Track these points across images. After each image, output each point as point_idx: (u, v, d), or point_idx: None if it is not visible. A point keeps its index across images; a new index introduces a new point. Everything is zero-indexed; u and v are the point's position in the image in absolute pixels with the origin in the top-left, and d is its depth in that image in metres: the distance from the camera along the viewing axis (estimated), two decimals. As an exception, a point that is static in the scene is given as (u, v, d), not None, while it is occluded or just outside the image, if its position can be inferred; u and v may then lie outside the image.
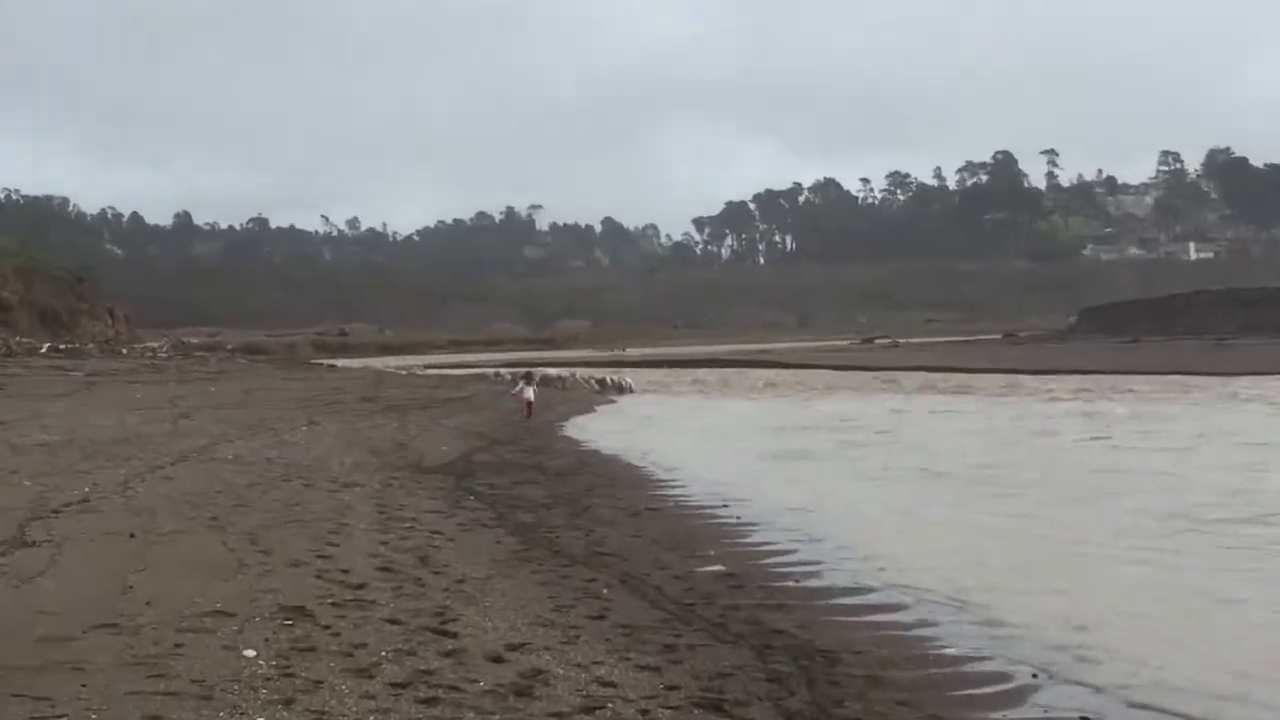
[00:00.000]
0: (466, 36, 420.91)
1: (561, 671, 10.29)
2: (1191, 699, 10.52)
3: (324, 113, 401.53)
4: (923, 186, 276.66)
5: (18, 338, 71.75)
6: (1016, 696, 10.74)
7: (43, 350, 66.58)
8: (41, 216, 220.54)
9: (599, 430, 40.11)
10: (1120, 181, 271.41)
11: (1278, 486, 23.24)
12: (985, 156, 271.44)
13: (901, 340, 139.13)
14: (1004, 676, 11.25)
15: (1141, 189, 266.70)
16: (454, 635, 11.23)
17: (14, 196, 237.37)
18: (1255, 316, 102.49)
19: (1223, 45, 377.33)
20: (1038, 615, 13.47)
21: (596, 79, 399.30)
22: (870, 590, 14.82)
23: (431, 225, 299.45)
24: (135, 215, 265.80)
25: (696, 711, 9.60)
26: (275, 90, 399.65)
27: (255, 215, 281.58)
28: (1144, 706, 10.40)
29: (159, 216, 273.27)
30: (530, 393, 46.76)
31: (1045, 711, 10.33)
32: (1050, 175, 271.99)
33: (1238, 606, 14.03)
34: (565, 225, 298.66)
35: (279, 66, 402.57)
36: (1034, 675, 11.21)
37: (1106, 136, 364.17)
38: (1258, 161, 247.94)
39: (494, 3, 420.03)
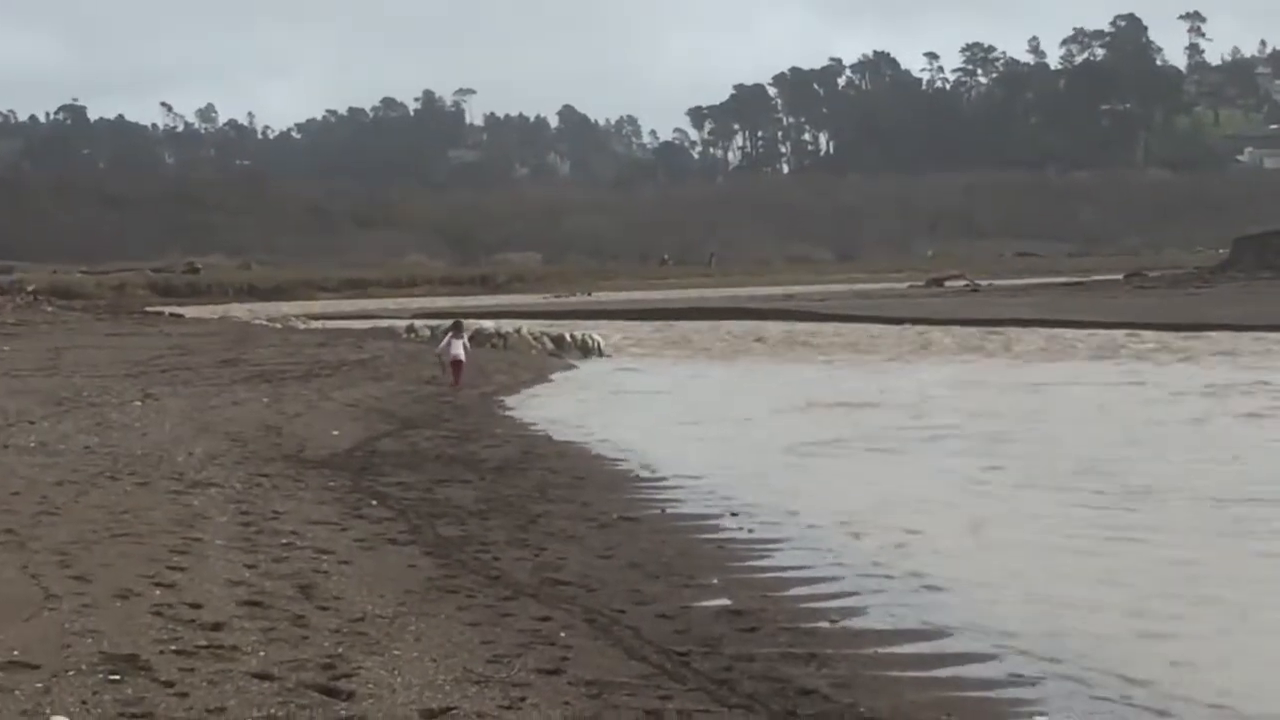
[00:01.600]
0: None
1: (501, 750, 10.35)
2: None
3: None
4: (1013, 65, 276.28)
5: None
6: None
7: None
8: None
9: (555, 408, 40.22)
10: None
11: None
12: (1102, 23, 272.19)
13: (984, 282, 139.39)
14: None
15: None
16: (349, 696, 11.27)
17: None
18: None
19: None
20: (1167, 668, 13.59)
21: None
22: (939, 632, 14.90)
23: (318, 117, 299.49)
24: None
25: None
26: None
27: (68, 102, 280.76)
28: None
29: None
30: (459, 349, 46.86)
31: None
32: (1193, 50, 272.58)
33: None
34: (507, 118, 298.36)
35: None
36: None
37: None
38: None
39: None
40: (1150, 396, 40.45)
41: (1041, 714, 12.27)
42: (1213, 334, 66.06)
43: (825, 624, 15.25)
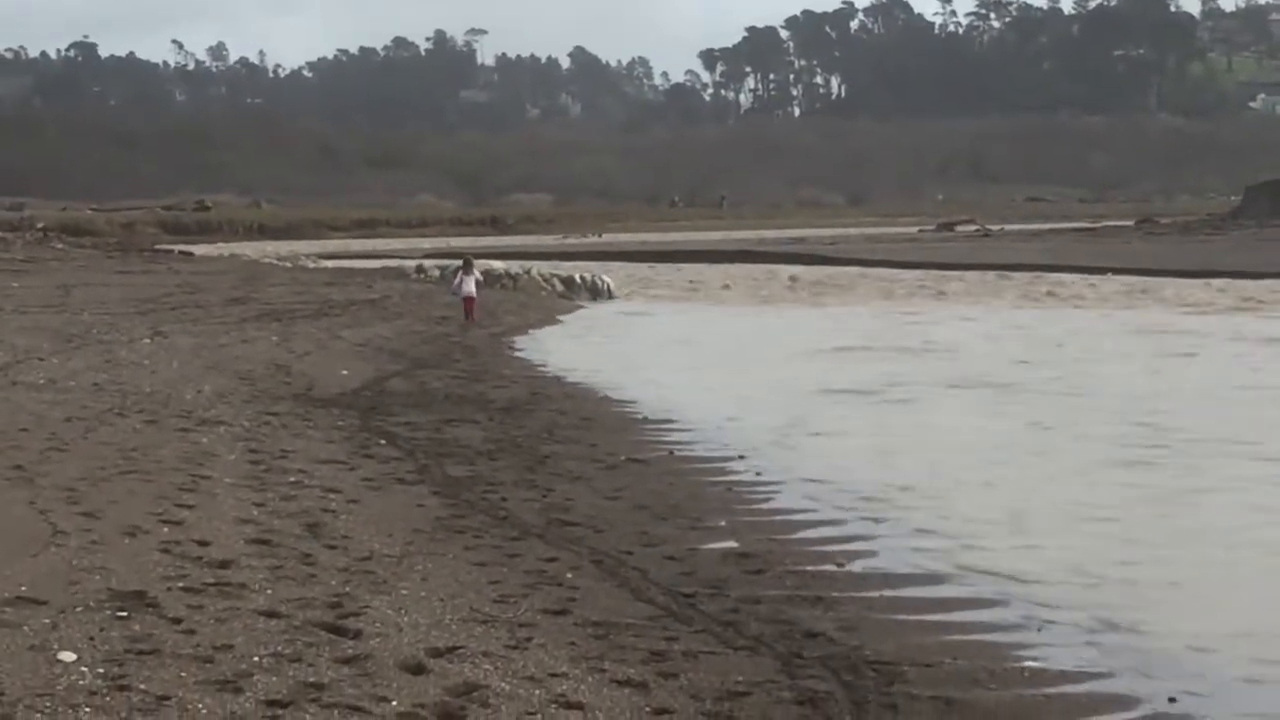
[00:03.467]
0: None
1: (506, 687, 10.31)
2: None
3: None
4: (1026, 9, 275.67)
5: None
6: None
7: None
8: None
9: (564, 349, 40.15)
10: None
11: None
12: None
13: (995, 227, 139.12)
14: (1127, 700, 11.27)
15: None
16: (356, 635, 11.26)
17: None
18: None
19: None
20: (1160, 611, 13.58)
21: None
22: (942, 577, 14.90)
23: (329, 56, 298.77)
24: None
25: (698, 745, 9.68)
26: None
27: (78, 39, 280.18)
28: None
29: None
30: (470, 286, 47.21)
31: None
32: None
33: None
34: (519, 59, 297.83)
35: None
36: (1171, 700, 11.26)
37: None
38: None
39: None
40: (1161, 333, 40.49)
41: (1039, 659, 12.28)
42: (1223, 280, 65.95)
43: (832, 567, 15.22)
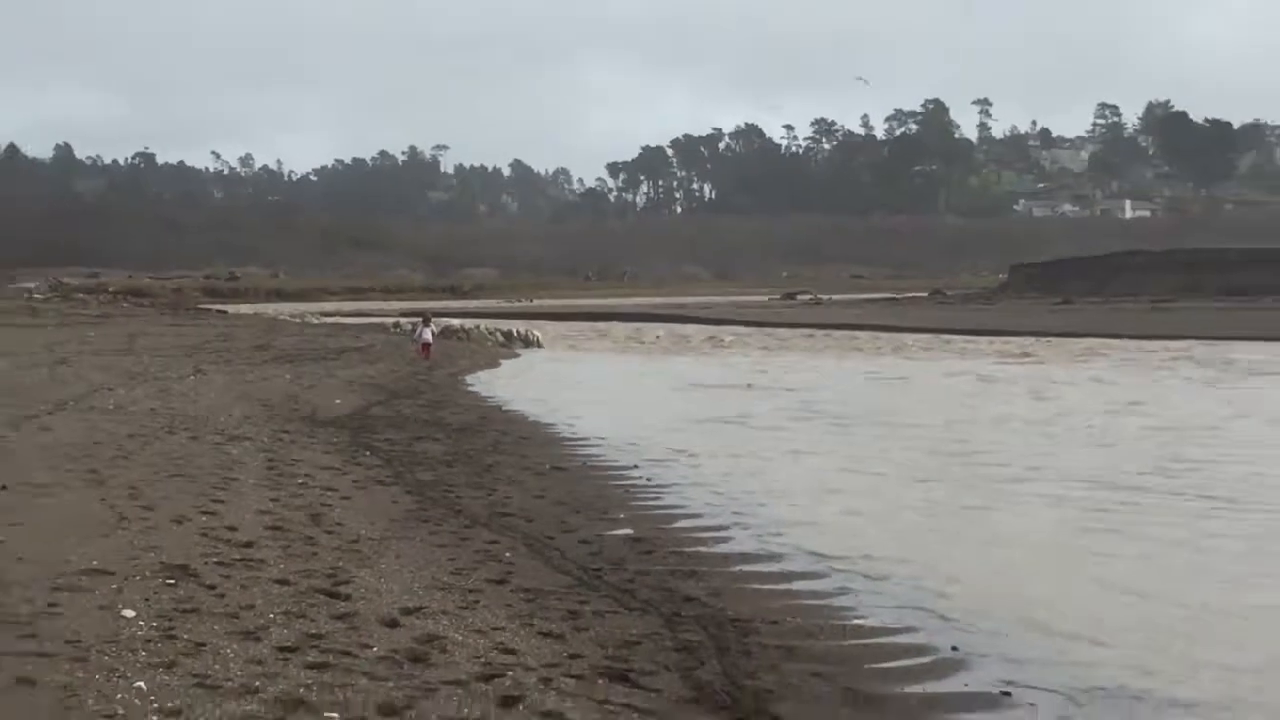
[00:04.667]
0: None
1: (460, 637, 10.31)
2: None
3: (216, 35, 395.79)
4: (849, 135, 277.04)
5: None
6: (937, 670, 10.88)
7: (-93, 289, 65.60)
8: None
9: (504, 385, 40.07)
10: (1055, 134, 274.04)
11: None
12: (915, 105, 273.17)
13: (825, 296, 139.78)
14: (925, 649, 11.36)
15: (1077, 143, 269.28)
16: (347, 598, 11.25)
17: None
18: (1194, 279, 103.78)
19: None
20: (955, 584, 13.67)
21: (504, 10, 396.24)
22: (785, 557, 14.92)
23: (330, 165, 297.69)
24: (11, 148, 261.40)
25: (601, 681, 9.65)
26: (161, 11, 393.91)
27: (141, 150, 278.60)
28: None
29: (37, 149, 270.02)
30: (427, 335, 48.14)
31: (966, 685, 10.48)
32: (983, 126, 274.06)
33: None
34: (471, 168, 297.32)
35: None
36: (952, 647, 11.36)
37: (1042, 86, 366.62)
38: (1198, 116, 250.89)
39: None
40: (944, 377, 40.82)
41: (857, 614, 12.34)
42: (1001, 337, 66.52)
43: (703, 548, 15.28)
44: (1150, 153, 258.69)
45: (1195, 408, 32.46)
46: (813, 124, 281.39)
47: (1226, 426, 28.42)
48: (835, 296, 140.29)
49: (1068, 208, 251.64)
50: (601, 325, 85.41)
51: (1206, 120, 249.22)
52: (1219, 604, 13.11)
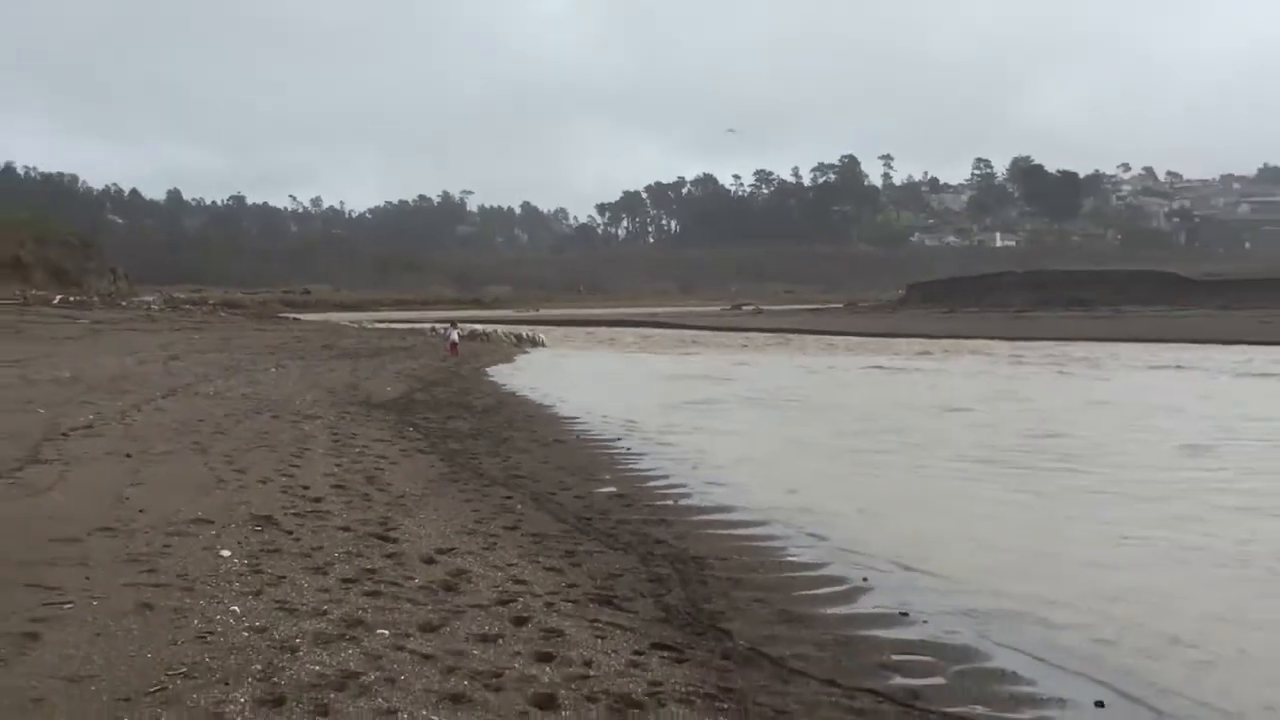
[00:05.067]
0: (402, 42, 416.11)
1: (482, 571, 10.34)
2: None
3: (292, 105, 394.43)
4: (783, 182, 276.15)
5: (33, 290, 70.65)
6: (849, 594, 10.94)
7: (54, 301, 65.51)
8: (55, 191, 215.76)
9: (516, 376, 40.05)
10: (941, 182, 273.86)
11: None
12: (834, 159, 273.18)
13: (765, 307, 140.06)
14: (842, 580, 11.40)
15: (959, 188, 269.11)
16: (394, 541, 11.26)
17: (32, 173, 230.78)
18: (1047, 294, 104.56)
19: (1028, 69, 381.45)
20: (867, 531, 13.71)
21: (516, 82, 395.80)
22: (734, 509, 14.92)
23: (381, 205, 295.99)
24: (134, 191, 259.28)
25: (592, 605, 9.68)
26: (253, 84, 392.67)
27: (234, 193, 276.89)
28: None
29: (154, 192, 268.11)
30: (454, 336, 48.55)
31: (872, 606, 10.54)
32: (886, 176, 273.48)
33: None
34: (491, 208, 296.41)
35: (259, 70, 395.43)
36: (863, 579, 11.42)
37: (931, 145, 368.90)
38: (1051, 168, 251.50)
39: (416, 16, 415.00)
40: (861, 371, 40.95)
41: (790, 552, 12.37)
42: (902, 339, 66.72)
43: (670, 503, 15.31)
44: (1015, 196, 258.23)
45: (1050, 392, 32.59)
46: (755, 174, 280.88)
47: (1074, 407, 28.55)
48: (772, 307, 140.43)
49: (951, 239, 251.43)
50: (592, 329, 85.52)
51: (1058, 171, 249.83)
52: (1050, 546, 13.20)
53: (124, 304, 75.83)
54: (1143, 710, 8.13)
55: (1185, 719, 7.99)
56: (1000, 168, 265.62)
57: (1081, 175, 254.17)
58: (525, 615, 8.98)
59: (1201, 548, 12.86)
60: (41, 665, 6.98)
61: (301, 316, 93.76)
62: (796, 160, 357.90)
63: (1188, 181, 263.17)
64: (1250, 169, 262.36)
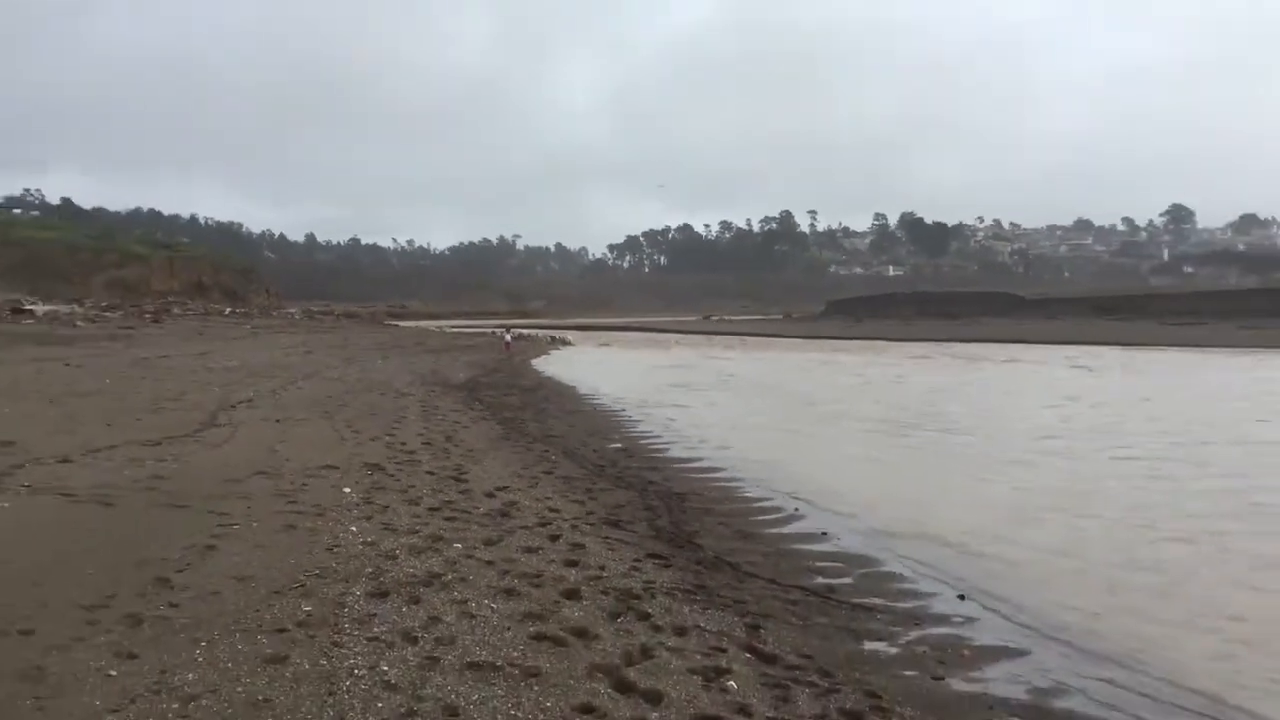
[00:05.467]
0: (470, 127, 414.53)
1: (527, 503, 10.34)
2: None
3: (395, 172, 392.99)
4: (740, 229, 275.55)
5: (212, 304, 70.63)
6: (786, 520, 10.93)
7: (226, 312, 65.49)
8: (226, 234, 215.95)
9: (550, 366, 39.97)
10: (851, 229, 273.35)
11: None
12: (776, 213, 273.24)
13: (727, 317, 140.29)
14: (780, 510, 11.38)
15: (863, 234, 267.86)
16: (466, 481, 11.25)
17: (210, 221, 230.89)
18: (926, 308, 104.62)
19: (912, 149, 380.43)
20: (800, 477, 13.72)
21: (553, 158, 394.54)
22: (705, 460, 14.89)
23: (456, 244, 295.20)
24: (282, 235, 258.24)
25: (604, 527, 9.70)
26: (367, 157, 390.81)
27: (353, 236, 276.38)
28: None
29: (296, 235, 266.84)
30: (509, 337, 48.41)
31: (802, 528, 10.54)
32: (812, 225, 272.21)
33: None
34: (533, 246, 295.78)
35: (372, 146, 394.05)
36: (795, 509, 11.42)
37: (844, 202, 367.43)
38: (929, 220, 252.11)
39: (480, 108, 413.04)
40: (796, 363, 40.91)
41: (746, 492, 12.35)
42: (824, 340, 66.64)
43: (660, 456, 15.27)
44: (902, 239, 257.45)
45: (935, 378, 32.58)
46: (720, 223, 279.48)
47: (953, 389, 28.55)
48: (733, 317, 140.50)
49: (858, 269, 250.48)
50: (604, 333, 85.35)
51: (933, 222, 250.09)
52: (928, 488, 13.20)
53: (275, 314, 75.76)
54: (991, 600, 8.16)
55: (1018, 605, 8.02)
56: (893, 219, 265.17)
57: (949, 224, 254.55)
58: (557, 534, 9.00)
59: (1031, 487, 12.88)
60: (218, 568, 7.01)
61: (400, 323, 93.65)
62: (749, 213, 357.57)
63: (1024, 229, 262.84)
64: (1069, 220, 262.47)
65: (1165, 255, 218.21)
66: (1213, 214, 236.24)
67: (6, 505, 8.33)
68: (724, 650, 6.37)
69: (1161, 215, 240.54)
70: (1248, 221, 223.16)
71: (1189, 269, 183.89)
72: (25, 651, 5.41)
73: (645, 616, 6.85)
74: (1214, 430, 18.38)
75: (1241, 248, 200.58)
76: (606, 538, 9.15)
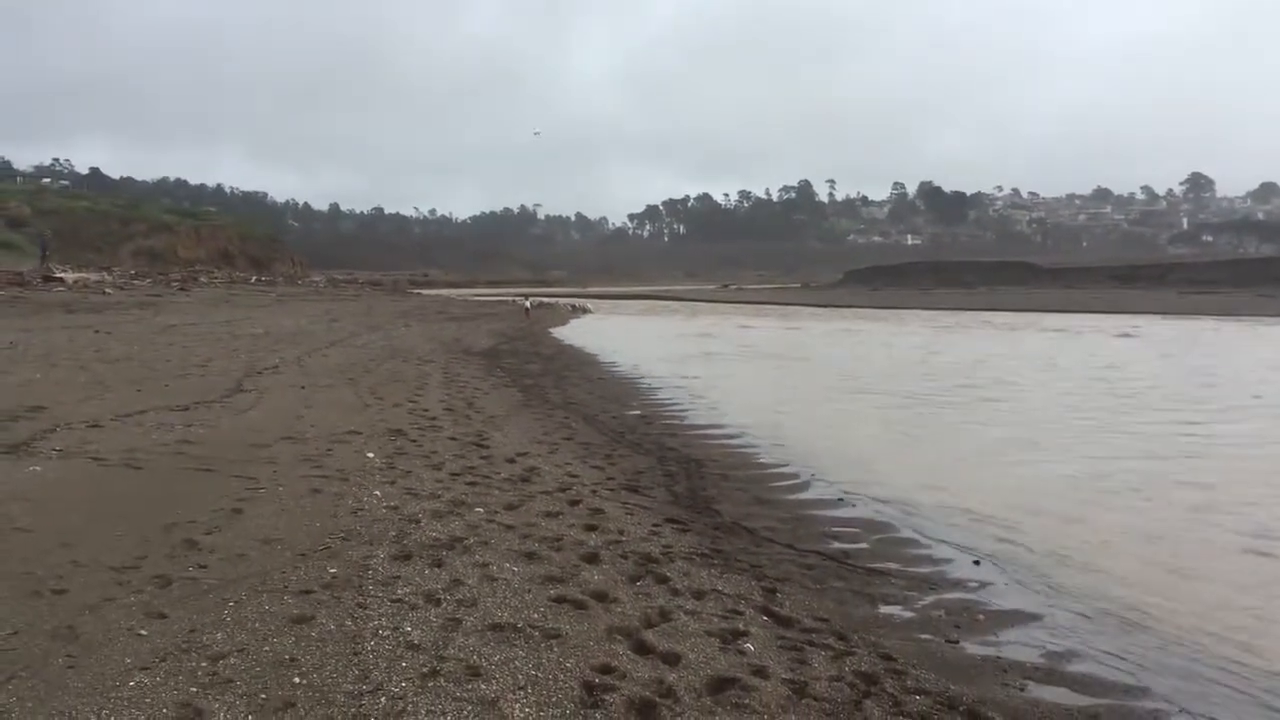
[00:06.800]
0: (490, 101, 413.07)
1: (548, 468, 10.35)
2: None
3: (417, 145, 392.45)
4: (758, 199, 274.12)
5: (238, 273, 70.98)
6: (803, 486, 10.91)
7: (252, 280, 65.67)
8: (251, 203, 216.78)
9: (571, 334, 39.98)
10: (870, 199, 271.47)
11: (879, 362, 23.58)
12: (794, 182, 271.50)
13: (745, 286, 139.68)
14: (797, 476, 11.36)
15: (881, 203, 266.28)
16: (487, 446, 11.27)
17: (235, 191, 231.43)
18: (944, 277, 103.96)
19: (931, 120, 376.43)
20: (816, 444, 13.68)
21: (574, 130, 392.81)
22: (723, 426, 14.88)
23: (478, 214, 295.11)
24: (307, 204, 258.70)
25: (623, 492, 9.70)
26: (390, 130, 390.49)
27: (376, 206, 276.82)
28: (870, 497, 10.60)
29: (320, 205, 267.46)
30: (529, 305, 48.59)
31: (819, 494, 10.52)
32: (830, 194, 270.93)
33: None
34: (553, 216, 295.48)
35: (394, 121, 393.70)
36: (812, 475, 11.39)
37: (863, 171, 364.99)
38: (947, 189, 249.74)
39: (498, 84, 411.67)
40: (817, 332, 40.74)
41: (762, 459, 12.33)
42: (838, 309, 66.35)
43: (678, 422, 15.27)
44: (921, 208, 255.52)
45: (963, 347, 32.39)
46: (739, 192, 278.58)
47: (983, 358, 28.37)
48: (750, 286, 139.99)
49: (876, 238, 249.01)
50: (623, 301, 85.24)
51: (951, 191, 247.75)
52: (944, 456, 13.13)
53: (300, 282, 75.94)
54: (1007, 566, 8.13)
55: (1035, 571, 7.98)
56: (911, 188, 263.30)
57: (967, 194, 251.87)
58: (577, 499, 9.01)
59: (1042, 461, 12.80)
60: (245, 530, 7.05)
61: (422, 292, 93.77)
62: (768, 183, 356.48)
63: (1042, 198, 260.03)
64: (1087, 189, 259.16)
65: (1185, 224, 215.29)
66: (1233, 183, 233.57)
67: (38, 469, 8.41)
68: (741, 613, 6.38)
69: (1181, 184, 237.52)
70: (1267, 190, 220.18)
71: (1208, 238, 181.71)
72: (58, 611, 5.47)
73: (664, 580, 6.86)
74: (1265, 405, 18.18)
75: (1261, 216, 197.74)
76: (625, 503, 9.16)
